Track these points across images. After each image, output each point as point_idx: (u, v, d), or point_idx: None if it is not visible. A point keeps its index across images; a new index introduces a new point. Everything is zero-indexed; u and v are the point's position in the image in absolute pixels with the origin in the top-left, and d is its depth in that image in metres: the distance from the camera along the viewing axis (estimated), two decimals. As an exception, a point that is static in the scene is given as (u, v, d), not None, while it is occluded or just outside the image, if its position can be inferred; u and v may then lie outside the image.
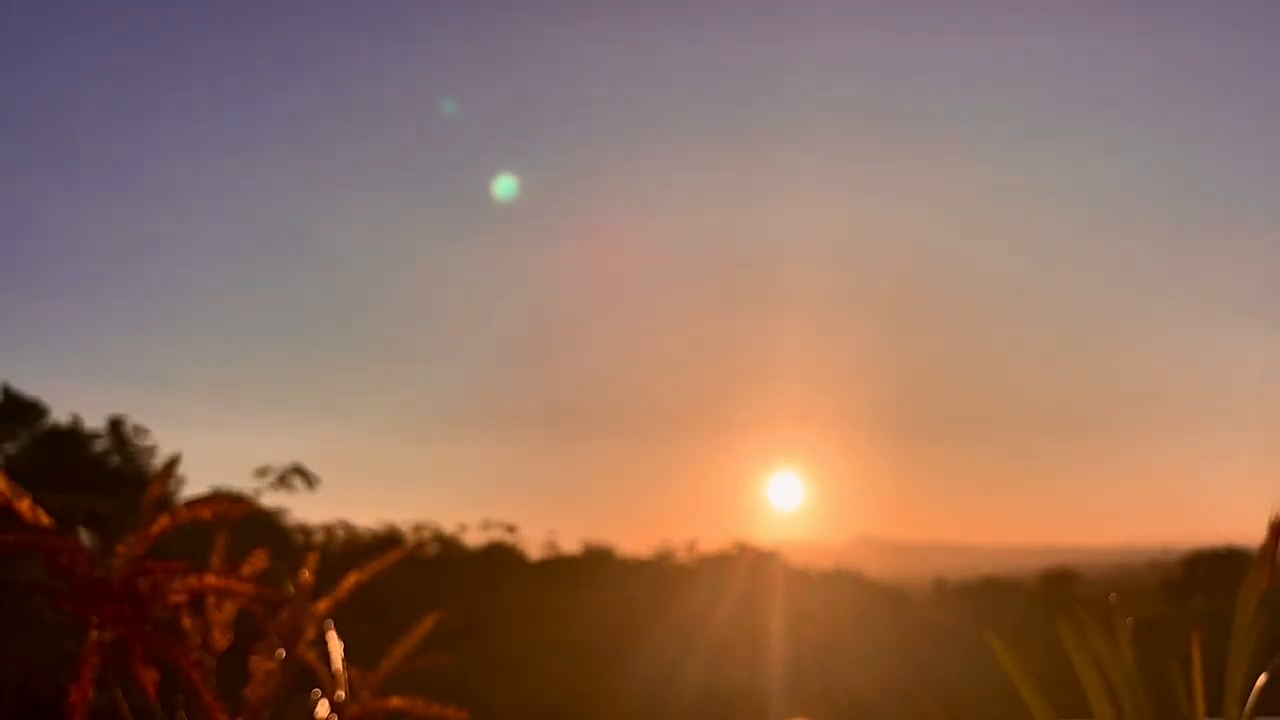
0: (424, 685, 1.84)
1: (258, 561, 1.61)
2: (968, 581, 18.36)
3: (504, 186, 17.30)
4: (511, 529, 17.89)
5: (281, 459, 15.95)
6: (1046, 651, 2.05)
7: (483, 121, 18.45)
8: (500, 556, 17.88)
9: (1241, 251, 19.01)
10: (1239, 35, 16.92)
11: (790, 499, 20.74)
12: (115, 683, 1.46)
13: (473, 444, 21.76)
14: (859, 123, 18.42)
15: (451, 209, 19.94)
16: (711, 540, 18.67)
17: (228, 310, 20.17)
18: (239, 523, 1.53)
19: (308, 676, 1.76)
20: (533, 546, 18.25)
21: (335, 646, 1.72)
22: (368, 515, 17.70)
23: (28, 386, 15.37)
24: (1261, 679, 1.76)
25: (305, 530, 15.69)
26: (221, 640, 1.64)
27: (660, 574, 18.26)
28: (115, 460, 15.51)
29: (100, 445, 15.62)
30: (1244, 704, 1.75)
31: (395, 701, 1.76)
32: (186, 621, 1.63)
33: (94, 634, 1.31)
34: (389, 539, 16.48)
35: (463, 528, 17.60)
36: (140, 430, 15.67)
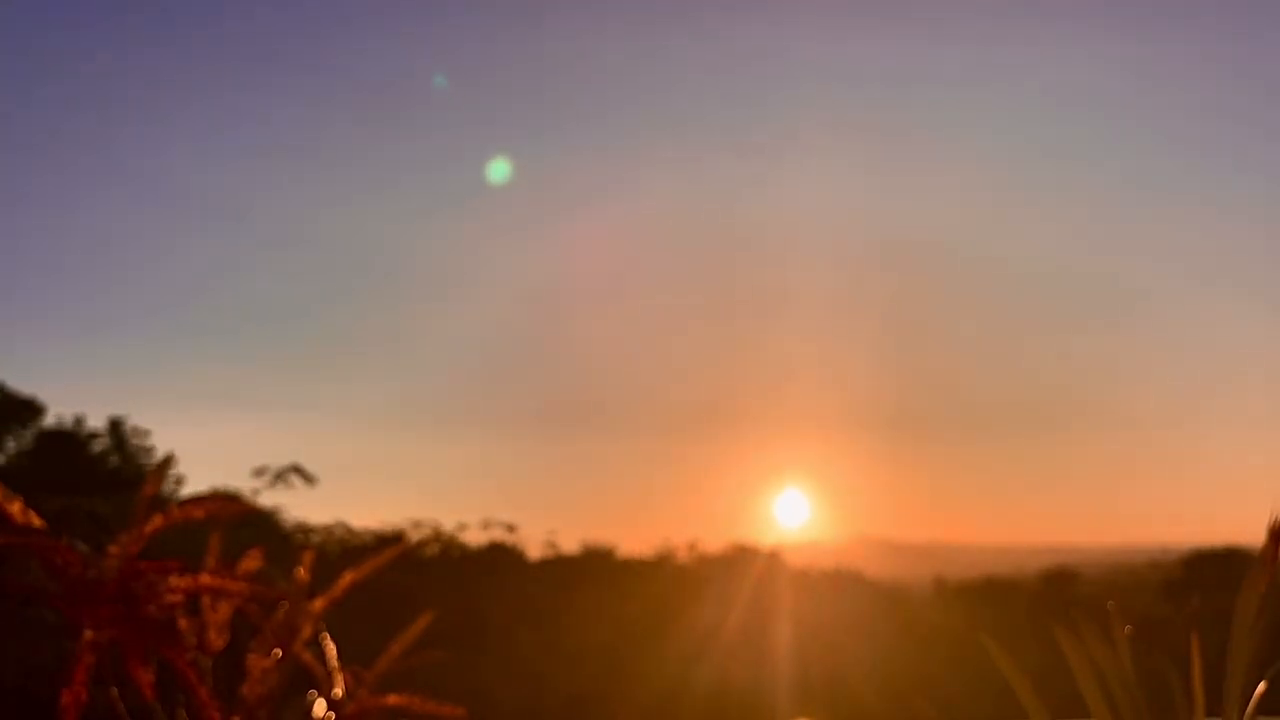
0: (424, 684, 1.84)
1: (252, 561, 1.60)
2: (968, 581, 18.32)
3: (498, 170, 17.25)
4: (511, 529, 17.84)
5: (281, 458, 15.93)
6: (1046, 651, 2.05)
7: (481, 110, 18.44)
8: (500, 556, 17.85)
9: (1242, 251, 19.00)
10: (1226, 38, 16.92)
11: (790, 499, 20.71)
12: (112, 683, 1.46)
13: (473, 442, 21.74)
14: (861, 123, 18.41)
15: (450, 202, 19.91)
16: (712, 540, 18.63)
17: (226, 308, 20.15)
18: (237, 522, 1.53)
19: (305, 675, 1.75)
20: (532, 546, 18.21)
21: (331, 645, 1.72)
22: (367, 514, 17.70)
23: (24, 385, 15.36)
24: (1262, 686, 1.75)
25: (304, 529, 15.67)
26: (217, 640, 1.64)
27: (661, 574, 18.24)
28: (115, 460, 15.49)
29: (100, 445, 15.60)
30: (1244, 705, 1.75)
31: (392, 699, 1.75)
32: (182, 621, 1.62)
33: (88, 634, 1.30)
34: (388, 538, 16.46)
35: (462, 527, 17.56)
36: (140, 431, 15.65)
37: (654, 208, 20.19)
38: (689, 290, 21.08)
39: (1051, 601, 16.73)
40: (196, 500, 1.36)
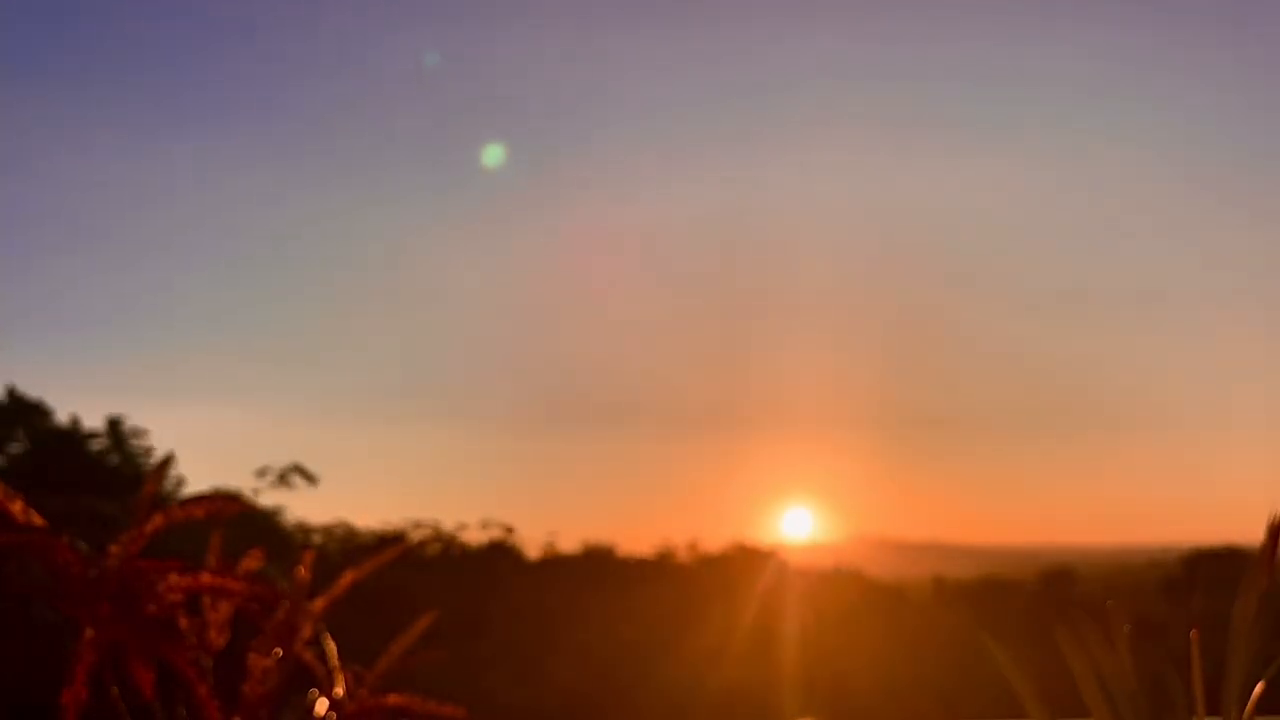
0: (424, 684, 1.84)
1: (253, 560, 1.61)
2: (968, 581, 18.32)
3: (492, 155, 17.23)
4: (511, 529, 17.84)
5: (282, 457, 15.93)
6: (1046, 651, 2.05)
7: (481, 98, 18.43)
8: (500, 556, 17.85)
9: (1242, 250, 19.01)
10: (1220, 34, 16.93)
11: (790, 499, 20.72)
12: (113, 682, 1.46)
13: (473, 440, 21.74)
14: (863, 120, 18.42)
15: (451, 196, 19.89)
16: (712, 540, 18.63)
17: (225, 305, 20.14)
18: (238, 522, 1.53)
19: (306, 675, 1.76)
20: (532, 546, 18.21)
21: (331, 644, 1.72)
22: (368, 514, 17.69)
23: (29, 387, 15.37)
24: (1260, 686, 1.76)
25: (305, 529, 15.67)
26: (218, 639, 1.64)
27: (661, 574, 18.24)
28: (114, 460, 15.50)
29: (99, 445, 15.60)
30: (1243, 705, 1.75)
31: (392, 699, 1.75)
32: (183, 620, 1.62)
33: (89, 633, 1.30)
34: (388, 538, 16.46)
35: (462, 526, 17.57)
36: (139, 431, 15.64)
37: (656, 204, 20.20)
38: (687, 289, 21.09)
39: (1051, 601, 16.74)
40: (197, 500, 1.36)
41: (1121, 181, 19.13)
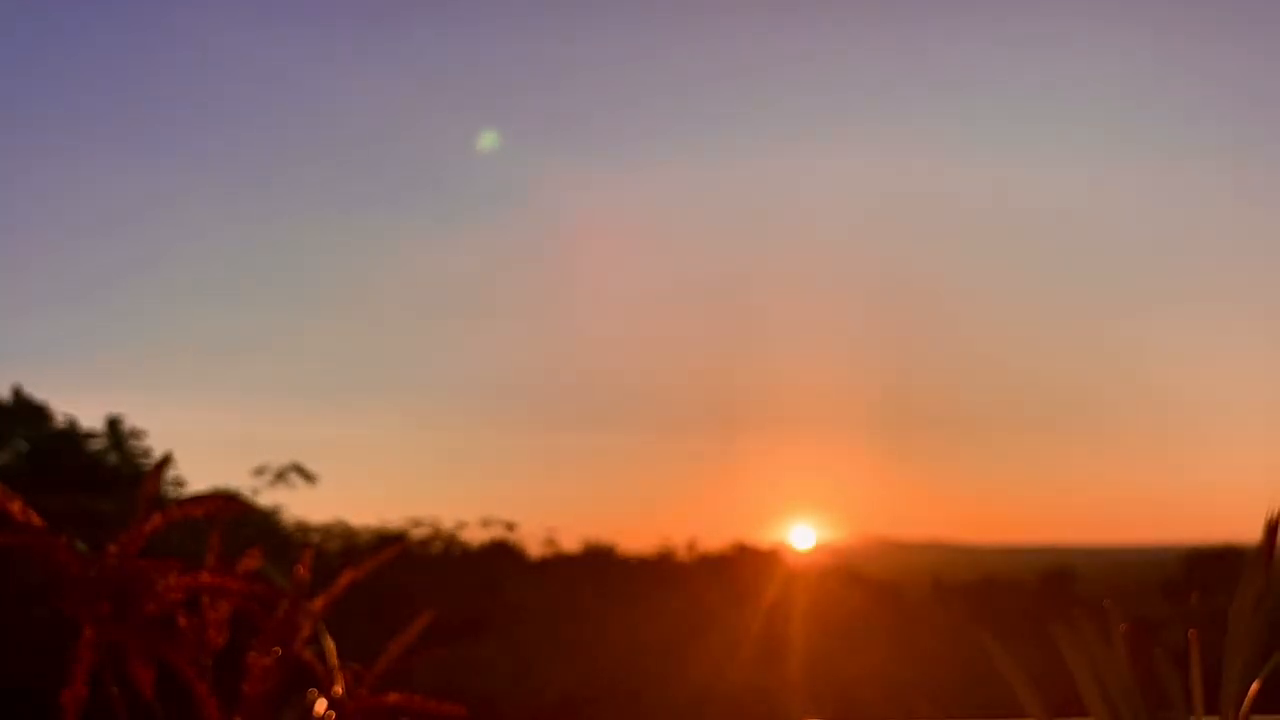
0: (424, 683, 1.84)
1: (252, 560, 1.61)
2: (968, 581, 18.33)
3: (487, 140, 17.22)
4: (511, 526, 17.84)
5: (280, 456, 15.92)
6: (1046, 651, 2.05)
7: (494, 97, 18.45)
8: (500, 554, 17.84)
9: (1242, 248, 19.01)
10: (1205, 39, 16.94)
11: (790, 498, 20.72)
12: (112, 682, 1.46)
13: (472, 438, 21.74)
14: (864, 118, 18.42)
15: (445, 189, 19.88)
16: (711, 539, 18.63)
17: (224, 302, 20.15)
18: (237, 521, 1.53)
19: (306, 674, 1.76)
20: (533, 544, 18.21)
21: (331, 644, 1.72)
22: (367, 513, 17.69)
23: (27, 386, 15.37)
24: (1256, 684, 1.76)
25: (304, 528, 15.67)
26: (217, 638, 1.64)
27: (660, 573, 18.25)
28: (113, 460, 15.50)
29: (97, 445, 15.61)
30: (1240, 704, 1.75)
31: (393, 698, 1.75)
32: (182, 620, 1.62)
33: (88, 633, 1.30)
34: (388, 537, 16.48)
35: (462, 525, 17.56)
36: (137, 431, 15.64)
37: (656, 202, 20.21)
38: (685, 286, 21.10)
39: (1051, 601, 16.73)
40: (196, 499, 1.36)
41: (1121, 181, 19.13)
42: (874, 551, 19.86)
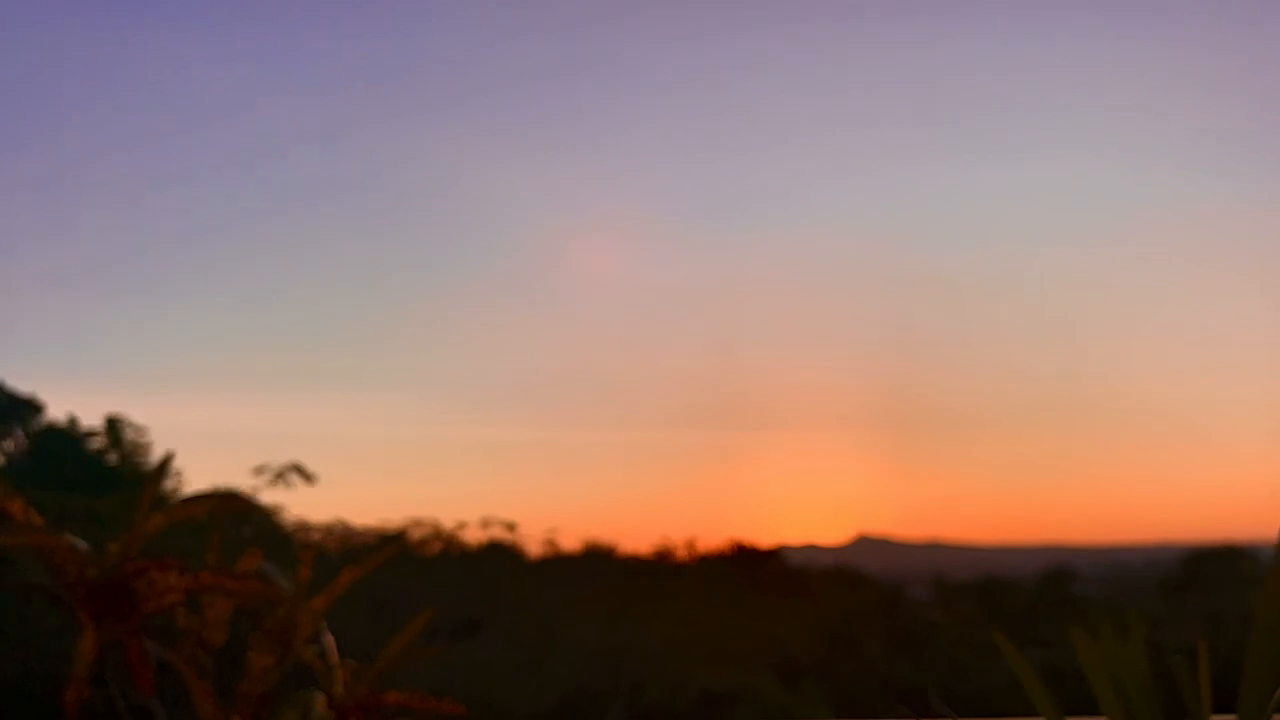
0: (424, 682, 1.84)
1: (252, 559, 1.61)
2: (968, 581, 18.31)
3: None
4: (511, 527, 17.84)
5: (280, 455, 15.92)
6: (1045, 650, 2.05)
7: (505, 104, 18.43)
8: (500, 554, 17.83)
9: (1242, 247, 19.01)
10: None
11: (790, 498, 20.72)
12: (113, 680, 1.46)
13: (473, 437, 21.73)
14: (865, 118, 18.43)
15: (451, 190, 19.86)
16: (711, 538, 18.62)
17: (223, 298, 20.13)
18: (237, 521, 1.53)
19: (306, 672, 1.76)
20: (533, 544, 18.20)
21: (331, 642, 1.72)
22: (367, 513, 17.69)
23: (22, 383, 15.35)
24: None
25: (304, 528, 15.67)
26: (217, 637, 1.64)
27: (660, 573, 18.24)
28: (113, 458, 15.49)
29: (97, 443, 15.59)
30: (1265, 705, 1.74)
31: (392, 696, 1.75)
32: (182, 619, 1.62)
33: (90, 632, 1.30)
34: (388, 537, 16.47)
35: (462, 525, 17.56)
36: (138, 428, 15.63)
37: (654, 197, 20.20)
38: (683, 283, 21.09)
39: (1050, 600, 16.73)
40: (197, 498, 1.36)
41: (1122, 178, 19.13)
42: (874, 552, 19.87)
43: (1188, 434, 20.69)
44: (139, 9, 17.73)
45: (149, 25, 18.04)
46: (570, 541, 18.46)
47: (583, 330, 21.49)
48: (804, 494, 21.03)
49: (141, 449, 15.74)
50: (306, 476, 16.13)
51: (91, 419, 15.69)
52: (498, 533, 18.05)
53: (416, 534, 17.41)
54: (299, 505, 18.50)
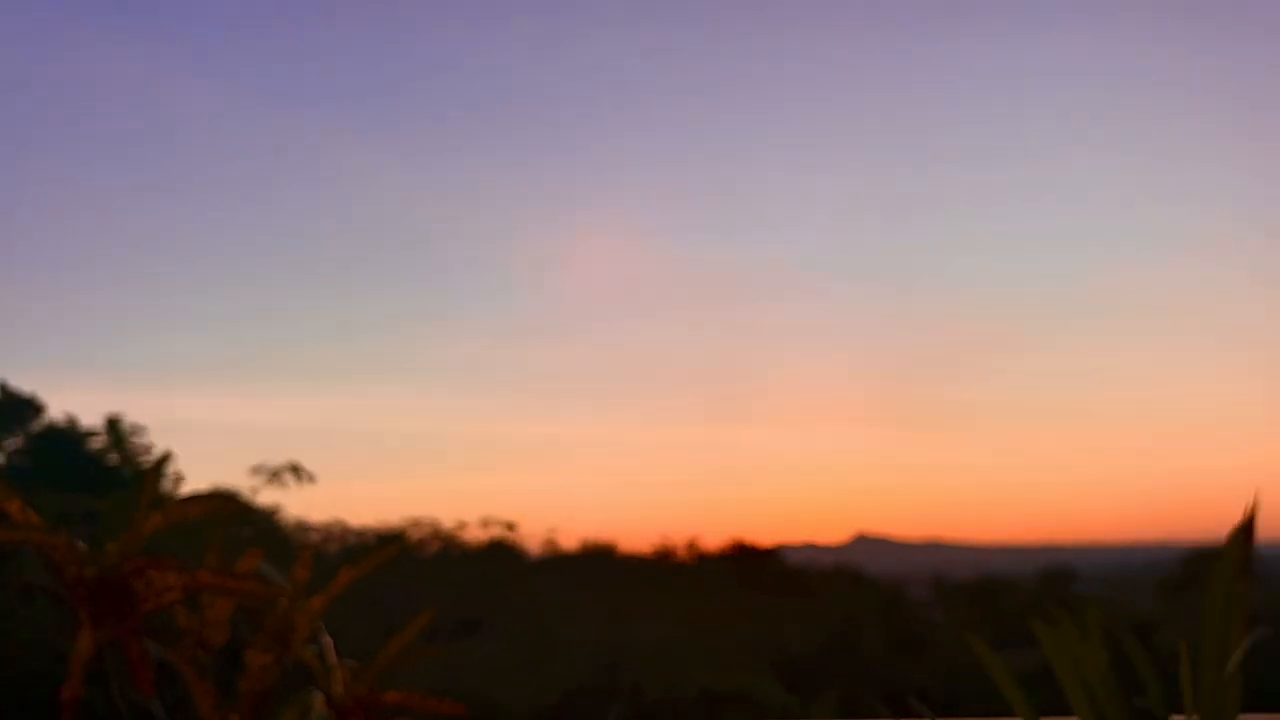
0: (423, 682, 1.84)
1: (251, 559, 1.61)
2: (967, 580, 18.33)
3: None
4: (511, 526, 17.84)
5: (281, 451, 15.91)
6: (1044, 650, 2.06)
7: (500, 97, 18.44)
8: (500, 554, 17.84)
9: (1244, 246, 19.02)
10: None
11: (790, 498, 20.73)
12: (112, 680, 1.46)
13: (471, 436, 21.74)
14: (865, 117, 18.43)
15: (449, 184, 19.87)
16: (710, 538, 18.64)
17: (222, 295, 20.14)
18: (237, 521, 1.53)
19: (305, 672, 1.76)
20: (532, 544, 18.21)
21: (330, 642, 1.72)
22: (365, 512, 17.71)
23: (24, 383, 15.36)
24: (1232, 680, 1.77)
25: (303, 528, 15.66)
26: (217, 637, 1.64)
27: (660, 572, 18.24)
28: (113, 458, 15.49)
29: (97, 443, 15.59)
30: (1216, 700, 1.76)
31: (391, 696, 1.75)
32: (181, 618, 1.63)
33: (87, 631, 1.31)
34: (387, 536, 16.46)
35: (461, 525, 17.56)
36: (138, 428, 15.63)
37: (653, 195, 20.20)
38: (682, 281, 21.09)
39: (1050, 600, 16.72)
40: (192, 499, 1.36)
41: (1124, 178, 19.14)
42: (874, 552, 19.88)
43: (1188, 434, 20.69)
44: (141, 8, 17.74)
45: (150, 25, 18.05)
46: (570, 540, 18.48)
47: (583, 327, 21.49)
48: (804, 493, 21.04)
49: (142, 449, 15.74)
50: (304, 476, 16.12)
51: (91, 419, 15.69)
52: (497, 532, 18.06)
53: (416, 534, 17.42)
54: (298, 505, 18.51)
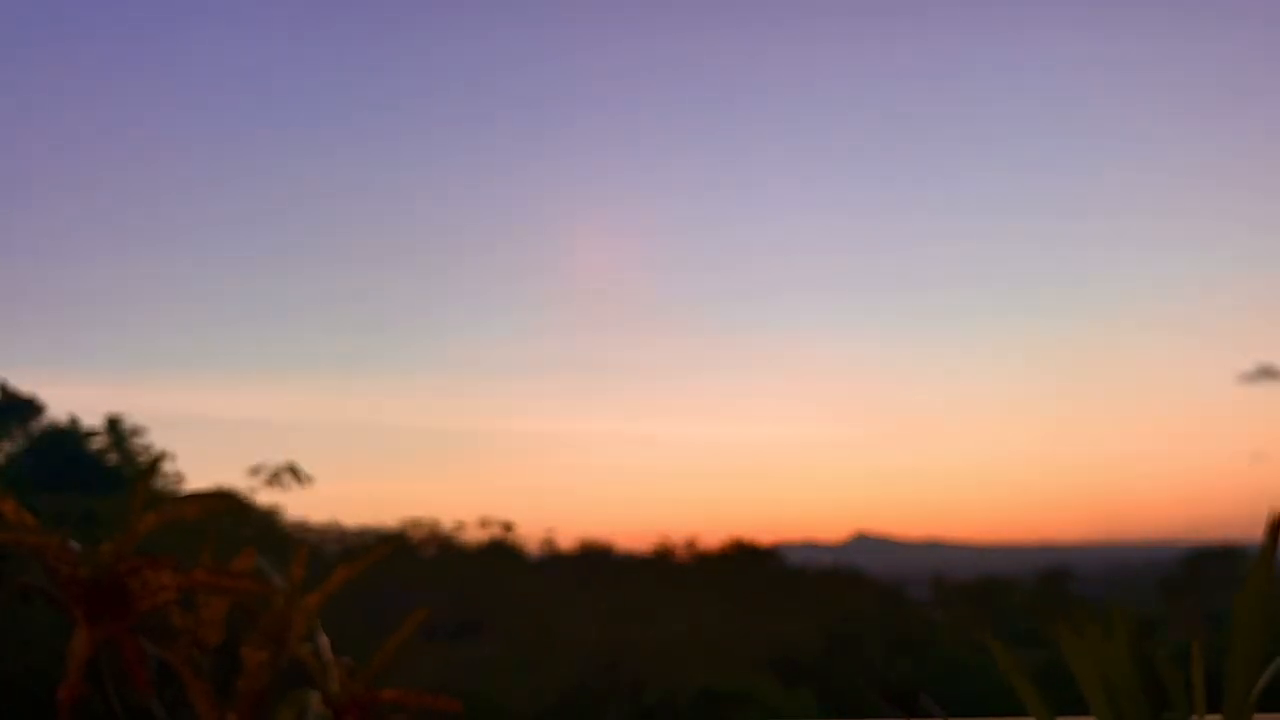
0: (421, 681, 1.83)
1: (248, 558, 1.60)
2: (967, 580, 18.33)
3: None
4: (509, 526, 17.84)
5: (277, 454, 15.92)
6: (1044, 649, 2.05)
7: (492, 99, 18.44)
8: (498, 554, 17.84)
9: (1244, 244, 19.02)
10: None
11: (789, 497, 20.72)
12: (110, 680, 1.45)
13: (471, 436, 21.74)
14: (866, 118, 18.44)
15: (446, 177, 19.86)
16: (710, 538, 18.63)
17: (222, 295, 20.13)
18: (235, 521, 1.53)
19: (301, 671, 1.75)
20: (531, 543, 18.21)
21: (326, 641, 1.71)
22: (364, 513, 17.71)
23: (22, 383, 15.36)
24: (1262, 683, 1.76)
25: (302, 528, 15.67)
26: (212, 636, 1.63)
27: (659, 572, 18.24)
28: (113, 459, 15.49)
29: (98, 443, 15.59)
30: (1244, 703, 1.75)
31: (388, 694, 1.75)
32: (177, 618, 1.62)
33: (83, 631, 1.30)
34: (386, 536, 16.46)
35: (459, 525, 17.56)
36: (138, 427, 15.63)
37: (650, 191, 20.22)
38: (681, 279, 21.09)
39: (1049, 600, 16.73)
40: (189, 498, 1.36)
41: (1124, 175, 19.14)
42: (874, 552, 19.87)
43: (1187, 433, 20.68)
44: (142, 8, 17.73)
45: (147, 27, 18.04)
46: (568, 540, 18.47)
47: (583, 327, 21.48)
48: (804, 492, 21.03)
49: (142, 448, 15.73)
50: (302, 477, 16.11)
51: (92, 418, 15.68)
52: (496, 532, 18.05)
53: (415, 534, 17.41)
54: (296, 504, 18.50)
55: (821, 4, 17.97)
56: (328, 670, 1.69)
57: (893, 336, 21.22)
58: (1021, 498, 21.10)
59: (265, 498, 15.62)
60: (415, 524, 17.39)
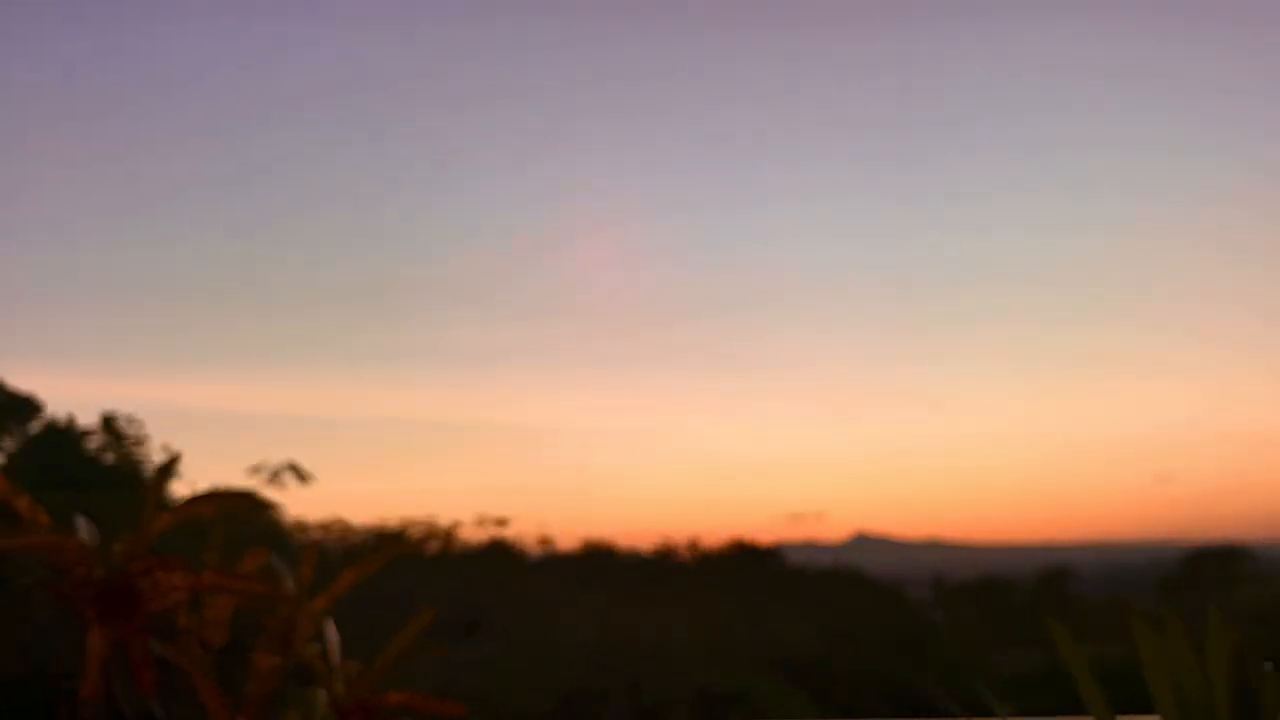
0: (423, 681, 1.84)
1: (255, 559, 1.61)
2: (967, 580, 18.32)
3: None
4: (502, 522, 17.81)
5: (276, 453, 15.90)
6: (1044, 649, 2.06)
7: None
8: (498, 553, 17.82)
9: (1245, 244, 19.01)
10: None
11: (789, 497, 20.71)
12: (116, 679, 1.46)
13: (470, 435, 21.71)
14: (867, 123, 18.44)
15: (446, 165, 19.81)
16: (710, 538, 18.62)
17: (222, 294, 20.10)
18: (239, 520, 1.53)
19: (308, 671, 1.76)
20: (530, 543, 18.20)
21: (334, 641, 1.72)
22: (364, 512, 17.69)
23: (21, 382, 15.34)
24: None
25: (303, 527, 15.65)
26: (217, 636, 1.64)
27: (660, 572, 18.23)
28: (110, 457, 15.47)
29: (94, 442, 15.57)
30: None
31: (394, 697, 1.76)
32: (183, 618, 1.63)
33: (98, 630, 1.31)
34: (387, 536, 16.45)
35: (459, 524, 17.55)
36: (134, 421, 15.58)
37: (651, 194, 20.21)
38: (682, 279, 21.07)
39: (1049, 600, 16.73)
40: (205, 497, 1.37)
41: (1125, 174, 19.14)
42: (874, 552, 19.86)
43: (1187, 433, 20.67)
44: (143, 7, 17.73)
45: (148, 26, 18.05)
46: (569, 540, 18.46)
47: (583, 327, 21.47)
48: (804, 492, 21.02)
49: (138, 446, 15.70)
50: (302, 476, 16.09)
51: (88, 416, 15.65)
52: (494, 530, 18.03)
53: (414, 533, 17.39)
54: (296, 501, 18.49)
55: (826, 13, 17.99)
56: (334, 672, 1.70)
57: (893, 337, 21.21)
58: (1021, 498, 21.09)
59: (265, 497, 15.60)
60: (415, 522, 17.39)
